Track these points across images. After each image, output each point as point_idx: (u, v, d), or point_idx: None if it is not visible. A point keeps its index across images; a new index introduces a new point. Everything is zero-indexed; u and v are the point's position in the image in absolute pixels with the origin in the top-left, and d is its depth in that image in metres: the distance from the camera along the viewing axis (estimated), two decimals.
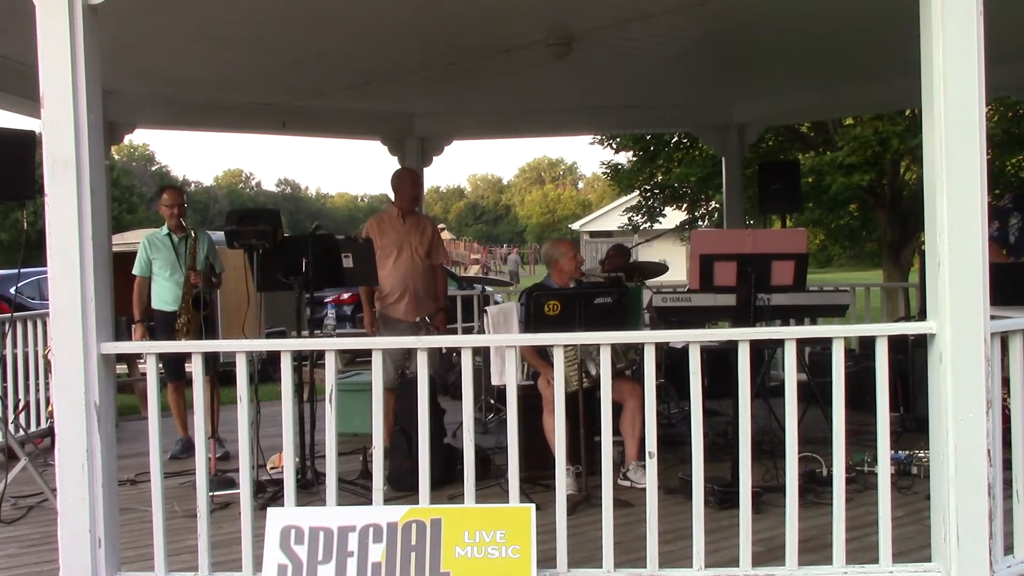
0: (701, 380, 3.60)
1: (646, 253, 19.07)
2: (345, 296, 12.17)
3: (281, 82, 7.16)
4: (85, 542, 3.46)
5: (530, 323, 4.70)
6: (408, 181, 6.15)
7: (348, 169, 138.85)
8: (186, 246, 6.09)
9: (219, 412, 6.18)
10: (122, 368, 8.56)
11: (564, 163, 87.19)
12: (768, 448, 4.96)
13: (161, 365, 6.24)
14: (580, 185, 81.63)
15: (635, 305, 6.16)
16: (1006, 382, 3.70)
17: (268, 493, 5.03)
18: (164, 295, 6.12)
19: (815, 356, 6.91)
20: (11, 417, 6.10)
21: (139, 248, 6.23)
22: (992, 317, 3.40)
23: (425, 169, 8.80)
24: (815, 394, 5.30)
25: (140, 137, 67.16)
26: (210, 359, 5.86)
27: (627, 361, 5.26)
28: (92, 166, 3.44)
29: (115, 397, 3.76)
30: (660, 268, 7.47)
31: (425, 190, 9.03)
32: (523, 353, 5.33)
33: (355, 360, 9.76)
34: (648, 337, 3.83)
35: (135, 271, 6.17)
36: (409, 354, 5.86)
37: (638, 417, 5.08)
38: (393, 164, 8.75)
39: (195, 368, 3.70)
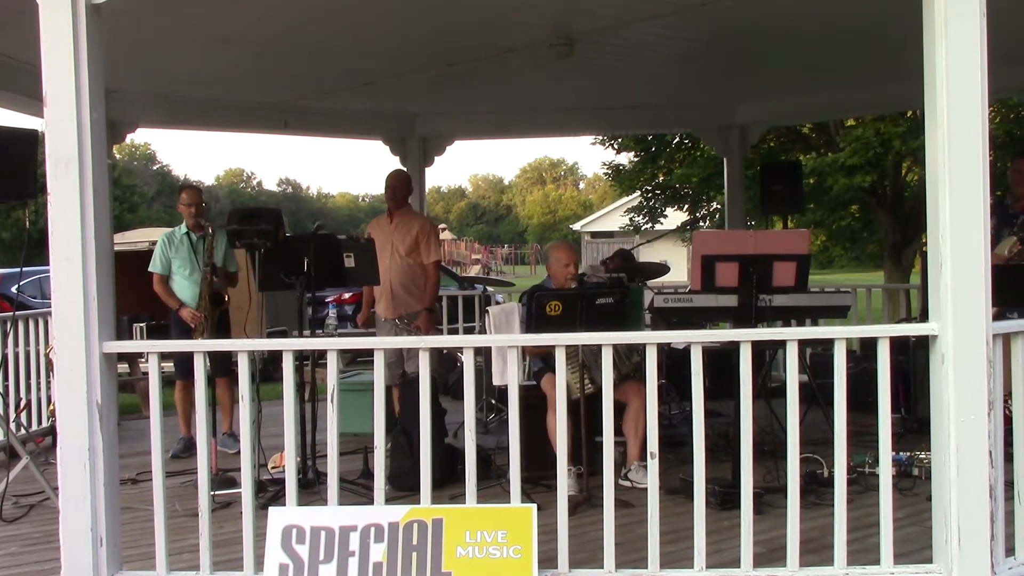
0: (702, 381, 3.60)
1: (647, 254, 19.06)
2: (346, 296, 12.17)
3: (282, 81, 7.17)
4: (86, 541, 3.46)
5: (532, 323, 4.69)
6: (389, 183, 6.32)
7: (349, 169, 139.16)
8: (204, 245, 6.11)
9: (232, 410, 6.28)
10: (123, 367, 8.57)
11: (565, 163, 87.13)
12: (769, 449, 4.97)
13: (172, 363, 6.32)
14: (581, 185, 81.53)
15: (636, 306, 6.15)
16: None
17: (269, 492, 5.03)
18: (182, 293, 6.15)
19: (816, 357, 6.90)
20: (12, 416, 6.10)
21: (157, 246, 6.25)
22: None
23: (426, 169, 8.82)
24: (816, 395, 5.30)
25: (141, 136, 67.25)
26: (221, 358, 5.89)
27: (631, 365, 5.25)
28: (94, 165, 3.44)
29: (117, 396, 3.75)
30: (661, 269, 7.46)
31: (426, 190, 9.06)
32: (526, 348, 5.32)
33: (356, 360, 9.76)
34: (650, 338, 3.83)
35: (152, 268, 6.18)
36: (399, 354, 5.89)
37: (642, 417, 5.07)
38: (394, 164, 8.75)
39: (196, 368, 3.70)
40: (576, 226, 49.44)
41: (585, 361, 4.94)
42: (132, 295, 6.19)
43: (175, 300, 6.16)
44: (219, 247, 6.18)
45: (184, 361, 6.28)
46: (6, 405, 5.99)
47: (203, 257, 6.07)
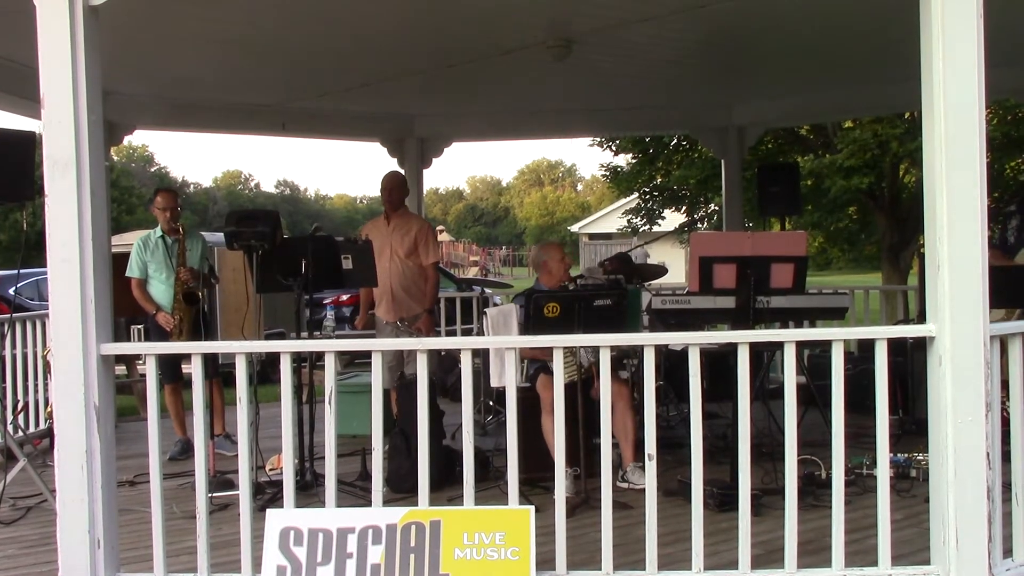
0: (700, 382, 3.60)
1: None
2: (344, 297, 12.17)
3: (281, 83, 7.17)
4: (84, 543, 3.45)
5: (529, 325, 4.69)
6: (385, 185, 6.26)
7: (347, 171, 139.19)
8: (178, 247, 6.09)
9: (223, 412, 6.24)
10: (121, 369, 8.55)
11: (563, 165, 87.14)
12: (767, 451, 4.97)
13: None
14: (579, 187, 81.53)
15: (634, 307, 6.15)
16: (1005, 384, 3.71)
17: (267, 494, 5.02)
18: (159, 297, 6.13)
19: (814, 359, 6.91)
20: (10, 418, 6.09)
21: (133, 250, 6.21)
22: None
23: (424, 171, 8.82)
24: (814, 396, 5.30)
25: (139, 138, 67.09)
26: (209, 360, 5.86)
27: (619, 351, 5.26)
28: (92, 167, 3.44)
29: (114, 398, 3.75)
30: (659, 270, 7.46)
31: (424, 191, 9.06)
32: (523, 350, 5.32)
33: (354, 361, 9.76)
34: (648, 339, 3.82)
35: (129, 273, 6.14)
36: (399, 357, 5.89)
37: (628, 418, 5.08)
38: (392, 165, 8.75)
39: (194, 369, 3.69)
40: (574, 228, 49.43)
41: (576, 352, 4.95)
42: (130, 297, 6.17)
43: (152, 304, 6.14)
44: (193, 248, 6.15)
45: (168, 364, 6.24)
46: (3, 407, 5.98)
47: (176, 259, 6.06)
